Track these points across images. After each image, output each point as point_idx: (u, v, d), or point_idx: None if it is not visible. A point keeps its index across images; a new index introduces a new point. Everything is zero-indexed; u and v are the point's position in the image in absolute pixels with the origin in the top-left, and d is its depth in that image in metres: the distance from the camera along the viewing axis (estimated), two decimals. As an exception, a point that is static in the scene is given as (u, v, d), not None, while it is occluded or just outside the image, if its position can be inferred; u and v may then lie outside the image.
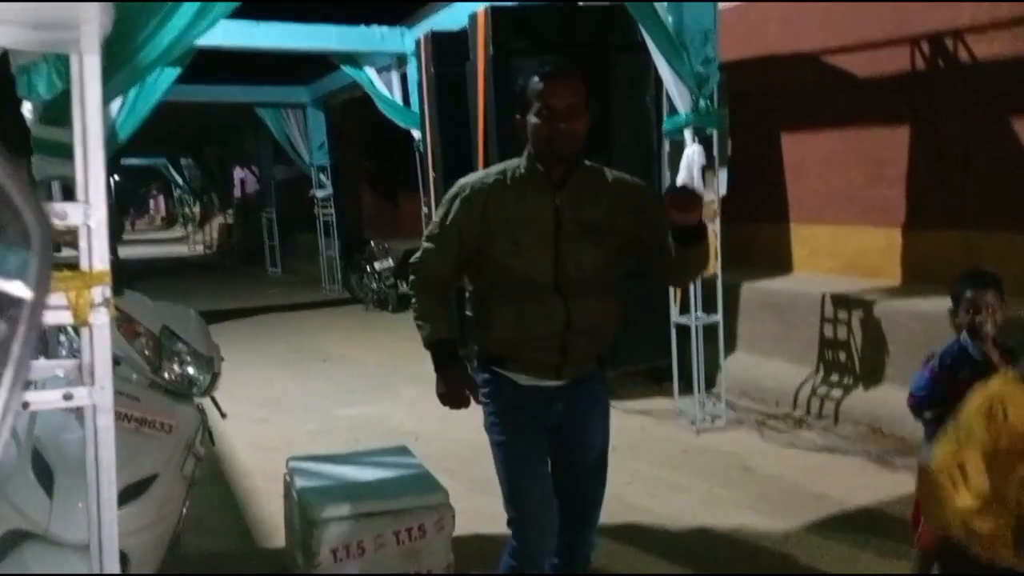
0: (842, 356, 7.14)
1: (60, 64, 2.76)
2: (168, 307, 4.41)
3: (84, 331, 2.15)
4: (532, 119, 3.12)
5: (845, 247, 8.12)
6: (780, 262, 8.71)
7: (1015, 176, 6.70)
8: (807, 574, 4.45)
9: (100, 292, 2.07)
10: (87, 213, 2.09)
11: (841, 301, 7.21)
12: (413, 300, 3.38)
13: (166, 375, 4.03)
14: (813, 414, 7.11)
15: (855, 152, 8.01)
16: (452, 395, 3.32)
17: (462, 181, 3.33)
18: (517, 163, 3.25)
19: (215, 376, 4.29)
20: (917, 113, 7.46)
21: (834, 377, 7.17)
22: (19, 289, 1.06)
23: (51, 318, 2.17)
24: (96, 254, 2.09)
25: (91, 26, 2.08)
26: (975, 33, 6.93)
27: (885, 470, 5.87)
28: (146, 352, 4.00)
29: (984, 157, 6.96)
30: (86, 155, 2.11)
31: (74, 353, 3.41)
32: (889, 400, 6.34)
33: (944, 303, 5.62)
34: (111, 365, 2.11)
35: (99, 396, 2.08)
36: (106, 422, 2.10)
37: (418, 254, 3.36)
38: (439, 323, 3.33)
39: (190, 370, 4.13)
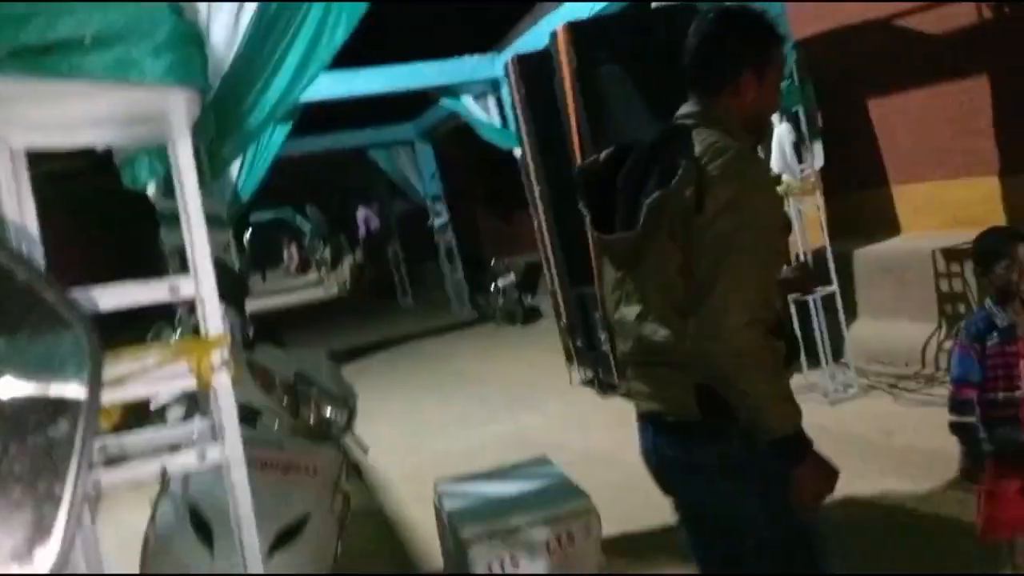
0: (961, 308, 7.07)
1: (158, 151, 2.96)
2: (299, 354, 4.62)
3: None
4: (768, 87, 2.40)
5: (948, 202, 7.95)
6: (885, 224, 8.56)
7: None
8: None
9: (219, 355, 2.23)
10: (197, 285, 2.26)
11: (952, 254, 7.16)
12: (749, 360, 2.20)
13: (305, 420, 4.23)
14: (943, 370, 6.95)
15: (940, 109, 7.84)
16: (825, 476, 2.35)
17: (727, 142, 2.29)
18: (730, 140, 2.32)
19: (351, 414, 4.45)
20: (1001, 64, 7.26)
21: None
22: (75, 392, 1.25)
23: (177, 384, 2.34)
24: (211, 321, 2.26)
25: (178, 115, 2.25)
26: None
27: None
28: (283, 401, 4.21)
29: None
30: (191, 233, 2.28)
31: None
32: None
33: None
34: (238, 422, 2.26)
35: (230, 451, 2.24)
36: (239, 476, 2.25)
37: (745, 277, 2.21)
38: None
39: (327, 412, 4.32)
